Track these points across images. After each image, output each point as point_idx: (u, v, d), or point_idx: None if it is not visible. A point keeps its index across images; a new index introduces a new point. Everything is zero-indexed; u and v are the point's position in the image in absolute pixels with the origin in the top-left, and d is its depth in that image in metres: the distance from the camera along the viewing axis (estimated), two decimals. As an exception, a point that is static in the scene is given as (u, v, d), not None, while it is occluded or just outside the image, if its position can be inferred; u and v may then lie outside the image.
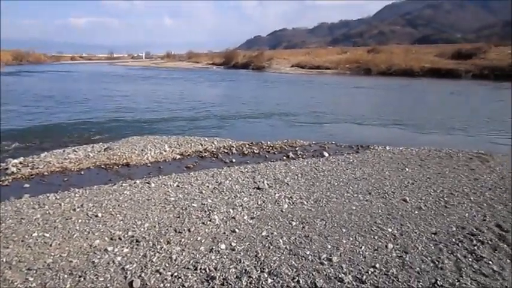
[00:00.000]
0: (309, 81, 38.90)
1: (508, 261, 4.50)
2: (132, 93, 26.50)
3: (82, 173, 7.98)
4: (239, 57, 74.47)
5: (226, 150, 9.94)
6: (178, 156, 9.34)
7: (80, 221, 5.30)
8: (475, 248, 4.68)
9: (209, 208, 5.78)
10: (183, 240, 4.77)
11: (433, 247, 4.67)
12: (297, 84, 35.47)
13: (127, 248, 4.56)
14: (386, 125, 14.70)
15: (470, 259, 4.44)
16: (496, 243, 4.81)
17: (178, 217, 5.46)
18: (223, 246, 4.60)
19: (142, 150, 9.68)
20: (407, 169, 8.01)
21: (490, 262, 4.40)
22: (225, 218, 5.42)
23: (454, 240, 4.85)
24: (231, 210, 5.69)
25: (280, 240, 4.75)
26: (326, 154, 9.51)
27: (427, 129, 13.99)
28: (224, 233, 4.98)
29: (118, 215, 5.50)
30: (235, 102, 21.79)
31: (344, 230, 5.06)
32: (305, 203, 6.07)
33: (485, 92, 28.42)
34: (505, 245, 4.80)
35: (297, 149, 10.21)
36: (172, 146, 10.15)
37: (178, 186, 6.88)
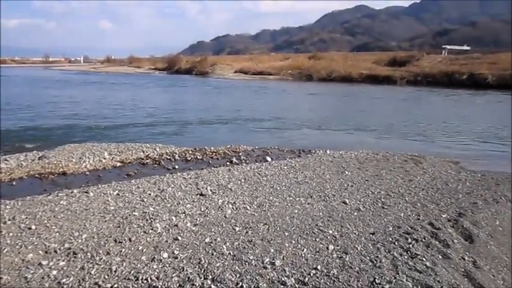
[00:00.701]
0: (262, 87, 39.13)
1: (440, 257, 4.76)
2: (81, 99, 25.37)
3: (14, 183, 7.53)
4: (182, 63, 73.76)
5: (168, 157, 9.79)
6: (118, 164, 9.07)
7: (11, 234, 5.00)
8: (410, 246, 4.91)
9: (151, 216, 5.65)
10: (123, 250, 4.63)
11: (371, 247, 4.85)
12: (249, 90, 35.59)
13: (63, 261, 4.36)
14: (331, 130, 15.15)
15: (405, 257, 4.65)
16: (429, 241, 5.08)
17: (119, 226, 5.29)
18: (165, 254, 4.52)
19: (80, 158, 9.30)
20: (346, 172, 8.29)
21: (424, 258, 4.63)
22: (167, 226, 5.32)
23: (390, 239, 5.07)
24: (173, 218, 5.60)
25: (224, 246, 4.73)
26: (269, 159, 9.62)
27: (369, 133, 14.56)
28: (166, 241, 4.89)
29: (53, 227, 5.24)
30: (193, 108, 21.57)
31: (286, 234, 5.13)
32: (248, 208, 6.10)
33: (428, 98, 30.01)
34: (437, 242, 5.08)
35: (240, 154, 10.25)
36: (112, 153, 9.84)
37: (118, 194, 6.67)
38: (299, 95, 31.92)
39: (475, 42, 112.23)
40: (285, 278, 4.07)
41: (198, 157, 9.87)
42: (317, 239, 5.00)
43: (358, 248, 4.79)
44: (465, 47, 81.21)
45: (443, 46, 79.08)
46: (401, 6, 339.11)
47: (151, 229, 5.20)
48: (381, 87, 38.13)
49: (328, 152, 10.49)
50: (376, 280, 4.09)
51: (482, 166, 10.09)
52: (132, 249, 4.66)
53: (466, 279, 4.52)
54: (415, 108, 23.76)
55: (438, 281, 4.19)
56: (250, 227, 5.33)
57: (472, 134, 14.75)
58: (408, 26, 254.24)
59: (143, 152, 10.19)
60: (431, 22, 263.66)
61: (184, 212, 5.84)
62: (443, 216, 5.93)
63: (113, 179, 7.73)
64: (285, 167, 8.64)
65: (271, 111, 20.36)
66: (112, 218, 5.60)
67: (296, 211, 5.98)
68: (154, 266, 4.26)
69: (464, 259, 4.87)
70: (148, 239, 4.93)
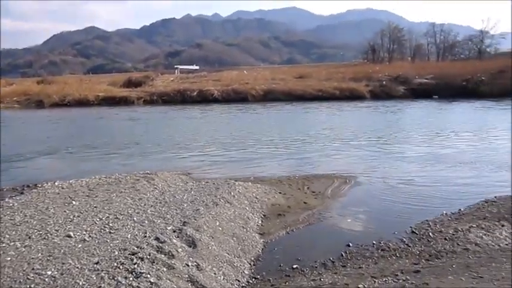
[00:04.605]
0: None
1: (165, 269, 4.90)
2: None
3: None
4: None
5: None
6: None
7: None
8: (136, 266, 4.87)
9: None
10: None
11: (94, 278, 4.61)
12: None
13: None
14: (69, 158, 14.03)
15: (130, 279, 4.59)
16: (155, 256, 5.16)
17: None
18: None
19: None
20: (74, 202, 7.75)
21: (149, 275, 4.68)
22: None
23: (115, 264, 4.93)
24: None
25: None
26: (-20, 203, 8.17)
27: (110, 156, 14.10)
28: None
29: None
30: None
31: (-8, 290, 4.40)
32: None
33: (165, 115, 31.08)
34: (163, 255, 5.22)
35: None
36: None
37: None
38: (30, 124, 28.69)
39: (202, 62, 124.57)
40: None
41: None
42: (32, 286, 4.44)
43: (80, 283, 4.49)
44: (194, 67, 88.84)
45: (175, 66, 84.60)
46: (133, 28, 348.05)
47: None
48: (118, 108, 37.89)
49: (57, 183, 9.63)
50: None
51: (210, 173, 11.13)
52: None
53: (190, 283, 4.78)
54: (153, 126, 24.42)
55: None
56: None
57: (209, 144, 16.06)
58: (141, 48, 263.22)
59: None
60: (162, 44, 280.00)
61: None
62: (169, 228, 6.16)
63: None
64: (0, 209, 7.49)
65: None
66: None
67: (9, 259, 5.19)
68: None
69: (188, 265, 5.15)
70: None
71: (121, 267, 4.84)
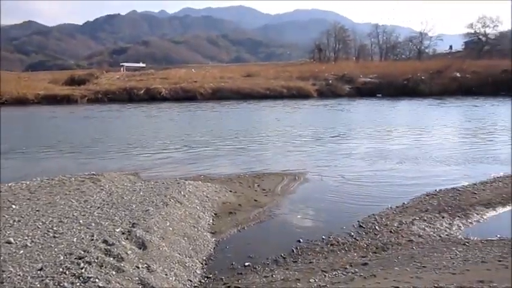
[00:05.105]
0: None
1: (114, 272, 4.75)
2: None
3: None
4: None
5: None
6: None
7: None
8: (83, 270, 4.68)
9: None
10: None
11: (38, 285, 4.40)
12: None
13: None
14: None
15: (77, 284, 4.42)
16: (103, 260, 4.98)
17: None
18: None
19: None
20: (14, 206, 7.32)
21: (97, 280, 4.52)
22: None
23: (61, 269, 4.71)
24: None
25: None
26: None
27: (52, 158, 13.45)
28: None
29: None
30: None
31: None
32: None
33: (111, 114, 30.12)
34: (111, 259, 5.05)
35: None
36: None
37: None
38: None
39: (149, 60, 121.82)
40: None
41: None
42: (-32, 296, 4.16)
43: (23, 291, 4.26)
44: (141, 64, 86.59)
45: (121, 64, 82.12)
46: (76, 24, 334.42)
47: None
48: (61, 107, 36.36)
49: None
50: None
51: (160, 173, 10.92)
52: None
53: (140, 286, 4.67)
54: (98, 126, 23.62)
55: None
56: None
57: (161, 144, 15.71)
58: (85, 44, 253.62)
59: None
60: (107, 41, 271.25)
61: None
62: (117, 230, 5.97)
63: None
64: None
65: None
66: None
67: None
68: None
69: (138, 267, 5.03)
70: None
71: (67, 272, 4.64)
